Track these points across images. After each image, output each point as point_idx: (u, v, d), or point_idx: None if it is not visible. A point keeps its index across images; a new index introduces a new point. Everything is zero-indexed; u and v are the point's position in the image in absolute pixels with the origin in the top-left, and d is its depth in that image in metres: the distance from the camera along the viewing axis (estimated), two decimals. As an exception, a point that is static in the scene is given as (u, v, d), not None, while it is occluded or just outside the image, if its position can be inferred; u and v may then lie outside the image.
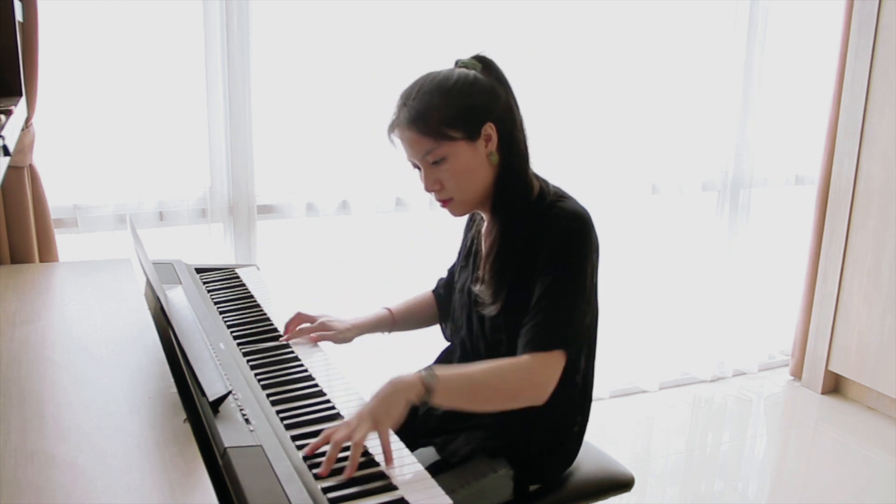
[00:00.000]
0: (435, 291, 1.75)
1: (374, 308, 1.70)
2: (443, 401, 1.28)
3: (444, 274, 1.75)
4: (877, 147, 2.88)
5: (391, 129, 1.43)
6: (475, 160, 1.40)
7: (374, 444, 1.19)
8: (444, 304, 1.70)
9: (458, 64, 1.44)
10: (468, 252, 1.61)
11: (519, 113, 1.46)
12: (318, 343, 1.57)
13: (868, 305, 2.96)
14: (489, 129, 1.40)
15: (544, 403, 1.38)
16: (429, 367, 1.30)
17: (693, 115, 3.00)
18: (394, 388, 1.23)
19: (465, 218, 1.66)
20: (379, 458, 1.15)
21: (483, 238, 1.54)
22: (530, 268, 1.40)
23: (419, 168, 1.44)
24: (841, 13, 2.98)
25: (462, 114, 1.37)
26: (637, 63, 2.81)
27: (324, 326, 1.58)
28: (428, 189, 1.43)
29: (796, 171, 3.27)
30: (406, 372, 1.27)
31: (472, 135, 1.39)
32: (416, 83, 1.42)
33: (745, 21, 2.96)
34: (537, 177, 1.50)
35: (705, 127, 3.05)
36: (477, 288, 1.48)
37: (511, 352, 1.42)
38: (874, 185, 2.90)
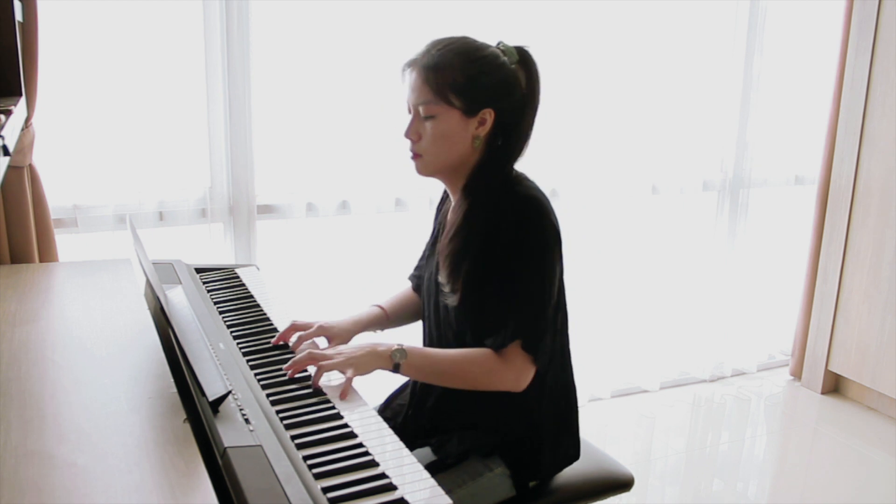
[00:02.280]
0: (414, 288, 1.75)
1: (365, 307, 1.70)
2: (410, 376, 1.44)
3: (415, 268, 1.76)
4: (877, 147, 2.89)
5: (408, 64, 1.44)
6: (460, 134, 1.41)
7: (373, 445, 1.19)
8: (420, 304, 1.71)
9: (499, 45, 1.45)
10: (434, 240, 1.61)
11: (530, 120, 1.45)
12: (317, 342, 1.57)
13: (868, 305, 2.96)
14: (487, 114, 1.41)
15: (527, 400, 1.44)
16: (400, 346, 1.39)
17: (693, 115, 3.00)
18: (370, 354, 1.38)
19: (437, 205, 1.69)
20: (379, 457, 1.15)
21: (448, 221, 1.54)
22: (489, 255, 1.40)
23: (410, 113, 1.45)
24: (841, 13, 2.98)
25: (470, 87, 1.38)
26: (637, 63, 2.82)
27: (321, 330, 1.56)
28: (406, 135, 1.45)
29: (796, 171, 3.27)
30: (383, 342, 1.40)
31: (469, 111, 1.40)
32: (451, 38, 1.43)
33: (745, 21, 2.96)
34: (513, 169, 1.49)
35: (705, 127, 3.05)
36: (440, 275, 1.49)
37: (477, 340, 1.44)
38: (874, 185, 2.90)
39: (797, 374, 3.31)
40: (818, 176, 3.14)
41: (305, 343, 1.52)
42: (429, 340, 1.61)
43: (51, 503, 0.91)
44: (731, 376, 3.32)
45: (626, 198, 2.95)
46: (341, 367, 1.36)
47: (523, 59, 1.44)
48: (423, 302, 1.63)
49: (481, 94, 1.39)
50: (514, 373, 1.40)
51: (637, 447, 2.79)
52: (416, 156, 1.46)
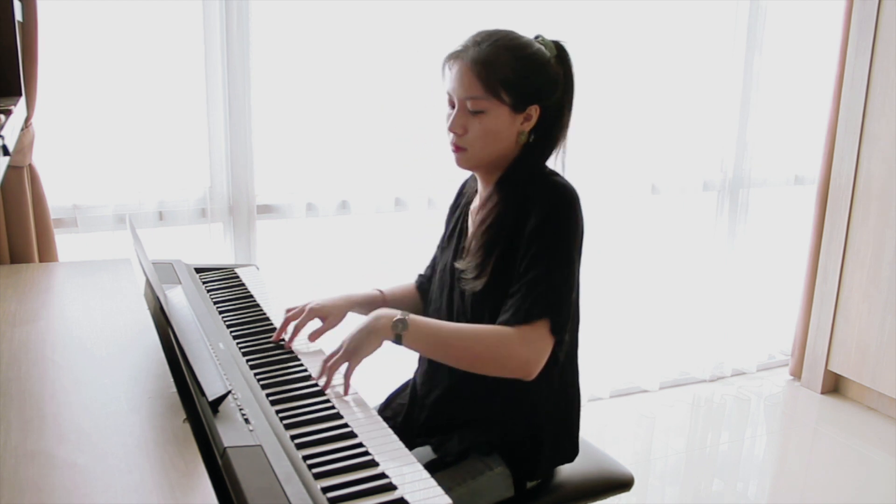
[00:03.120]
0: (419, 288, 1.74)
1: (364, 288, 1.68)
2: (413, 348, 1.38)
3: (423, 270, 1.75)
4: (877, 147, 2.89)
5: (452, 57, 1.43)
6: (507, 129, 1.42)
7: (373, 445, 1.19)
8: (426, 295, 1.69)
9: (538, 39, 1.45)
10: (452, 231, 1.61)
11: (568, 114, 1.48)
12: (317, 342, 1.57)
13: (868, 305, 2.96)
14: (533, 111, 1.43)
15: (531, 398, 1.42)
16: (403, 315, 1.36)
17: (693, 115, 3.00)
18: (367, 331, 1.36)
19: (450, 204, 1.69)
20: (379, 457, 1.15)
21: (472, 214, 1.55)
22: (517, 242, 1.40)
23: (453, 106, 1.44)
24: (841, 13, 2.98)
25: (521, 84, 1.39)
26: (637, 63, 2.82)
27: (313, 313, 1.55)
28: (451, 129, 1.44)
29: (796, 171, 3.27)
30: (385, 312, 1.37)
31: (518, 107, 1.41)
32: (497, 31, 1.43)
33: (744, 21, 2.96)
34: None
35: (705, 127, 3.05)
36: (461, 262, 1.48)
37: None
38: (874, 185, 2.90)
39: (797, 373, 3.31)
40: (818, 176, 3.14)
41: (301, 333, 1.53)
42: None
43: (51, 503, 0.91)
44: (731, 376, 3.32)
45: (626, 198, 2.95)
46: (342, 361, 1.36)
47: (560, 54, 1.46)
48: (432, 295, 1.62)
49: (530, 90, 1.41)
50: (530, 352, 1.33)
51: (637, 447, 2.79)
52: (459, 149, 1.45)
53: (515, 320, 1.35)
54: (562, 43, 1.47)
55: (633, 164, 2.91)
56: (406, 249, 2.61)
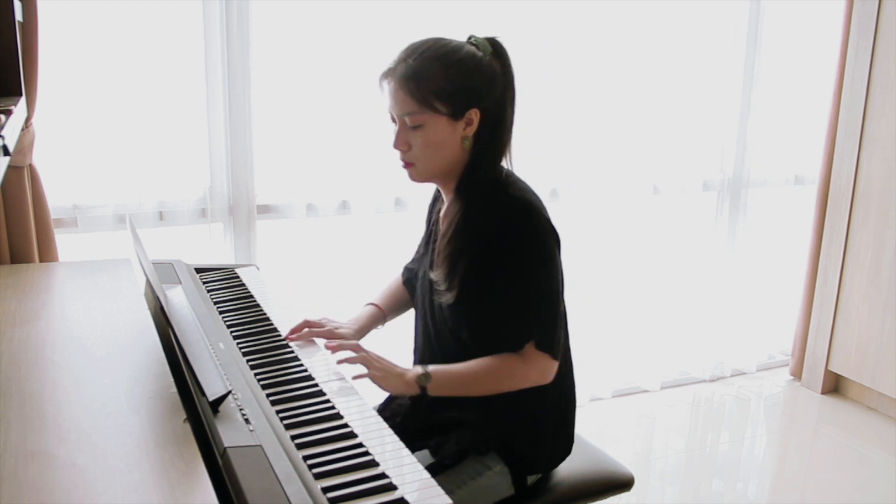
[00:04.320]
0: (406, 283, 1.74)
1: (362, 309, 1.71)
2: (438, 394, 1.44)
3: (410, 262, 1.76)
4: (877, 147, 2.89)
5: (385, 76, 1.45)
6: (449, 138, 1.42)
7: (373, 445, 1.19)
8: (415, 291, 1.71)
9: (470, 40, 1.44)
10: (428, 239, 1.61)
11: (510, 109, 1.45)
12: (317, 341, 1.57)
13: (868, 305, 2.96)
14: (473, 114, 1.41)
15: (527, 395, 1.46)
16: (425, 370, 1.41)
17: (693, 115, 3.00)
18: (399, 378, 1.41)
19: (429, 203, 1.71)
20: (379, 457, 1.15)
21: (441, 220, 1.55)
22: (485, 256, 1.41)
23: (395, 122, 1.46)
24: (841, 13, 2.98)
25: (454, 91, 1.38)
26: (637, 63, 2.81)
27: (332, 335, 1.57)
28: (395, 146, 1.46)
29: (796, 171, 3.27)
30: (409, 369, 1.43)
31: (456, 114, 1.40)
32: (423, 42, 1.43)
33: (745, 21, 2.96)
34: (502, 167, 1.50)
35: (705, 127, 3.05)
36: (433, 273, 1.49)
37: (474, 338, 1.45)
38: (874, 185, 2.90)
39: (797, 374, 3.31)
40: (818, 176, 3.14)
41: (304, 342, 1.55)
42: (424, 337, 1.61)
43: (51, 503, 0.91)
44: (731, 376, 3.32)
45: (627, 198, 2.95)
46: (373, 370, 1.41)
47: (496, 50, 1.44)
48: (417, 300, 1.63)
49: (466, 96, 1.39)
50: (536, 370, 1.43)
51: (637, 447, 2.79)
52: (408, 164, 1.46)
53: (512, 348, 1.43)
54: (497, 39, 1.45)
55: (633, 163, 2.91)
56: (406, 249, 2.60)
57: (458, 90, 1.38)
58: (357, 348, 1.43)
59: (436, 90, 1.38)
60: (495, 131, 1.44)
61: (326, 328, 1.58)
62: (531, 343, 1.42)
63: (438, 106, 1.38)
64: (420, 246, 1.72)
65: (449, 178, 1.48)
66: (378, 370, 1.41)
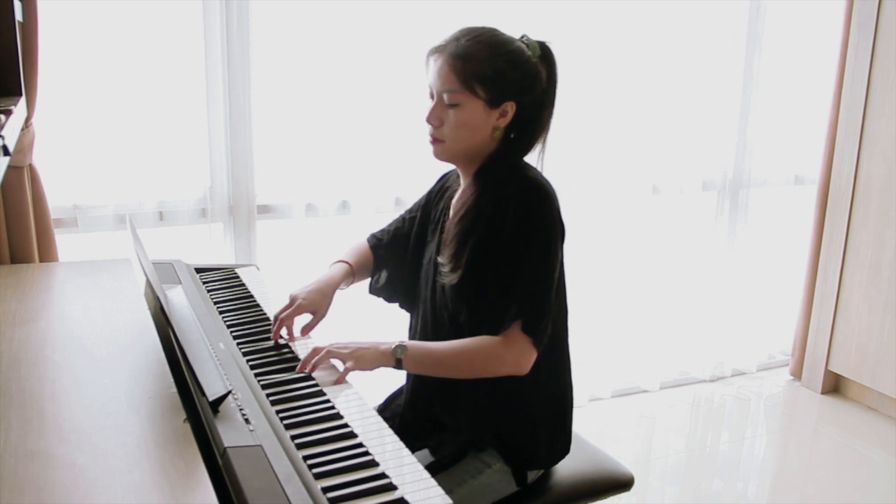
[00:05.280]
0: (373, 249, 1.75)
1: (333, 266, 1.71)
2: (412, 370, 1.46)
3: (378, 231, 1.77)
4: (877, 147, 2.89)
5: (434, 51, 1.46)
6: (482, 123, 1.44)
7: (373, 445, 1.19)
8: (380, 261, 1.73)
9: (522, 39, 1.48)
10: (436, 225, 1.62)
11: (547, 113, 1.49)
12: (313, 336, 1.58)
13: (868, 305, 2.96)
14: (509, 107, 1.44)
15: (521, 388, 1.46)
16: (401, 342, 1.42)
17: (693, 115, 3.00)
18: (373, 351, 1.43)
19: (429, 189, 1.73)
20: (379, 457, 1.15)
21: (453, 207, 1.56)
22: (493, 239, 1.43)
23: (432, 98, 1.47)
24: (841, 13, 2.98)
25: (496, 80, 1.41)
26: (637, 63, 2.81)
27: (301, 308, 1.57)
28: (428, 120, 1.47)
29: (796, 172, 3.27)
30: (384, 341, 1.44)
31: (493, 102, 1.43)
32: (479, 28, 1.46)
33: (745, 21, 2.96)
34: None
35: (705, 127, 3.05)
36: (442, 256, 1.50)
37: (472, 320, 1.46)
38: (874, 185, 2.90)
39: (797, 374, 3.31)
40: (818, 176, 3.14)
41: (302, 339, 1.56)
42: (422, 322, 1.61)
43: (51, 503, 0.91)
44: (731, 376, 3.32)
45: (627, 198, 2.95)
46: (343, 358, 1.42)
47: (545, 54, 1.48)
48: (420, 286, 1.63)
49: (506, 87, 1.42)
50: (514, 355, 1.41)
51: (637, 447, 2.79)
52: (436, 140, 1.48)
53: (495, 329, 1.42)
54: (547, 44, 1.48)
55: (633, 164, 2.91)
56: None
57: (500, 80, 1.42)
58: (315, 352, 1.42)
59: (479, 74, 1.40)
60: (527, 128, 1.48)
61: (293, 306, 1.57)
62: (516, 323, 1.40)
63: (478, 90, 1.41)
64: (396, 220, 1.74)
65: (471, 163, 1.50)
66: (349, 357, 1.41)
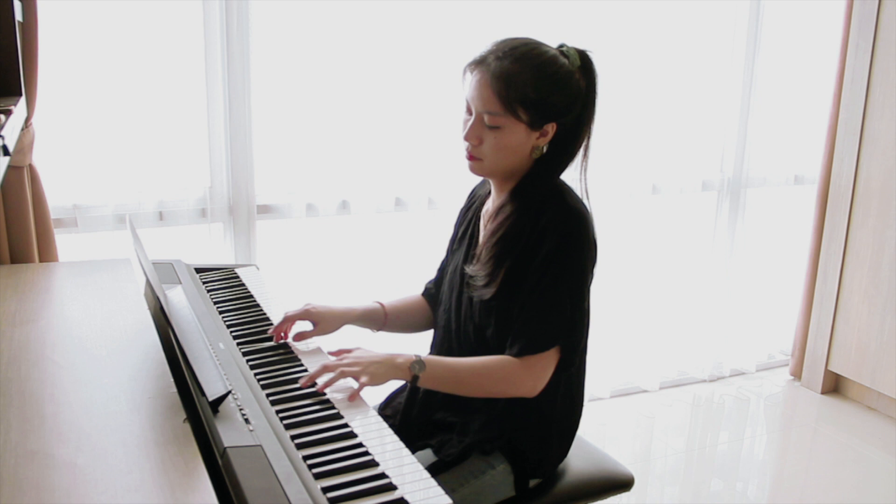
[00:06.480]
0: (425, 294, 1.74)
1: (365, 301, 1.69)
2: (428, 387, 1.42)
3: (434, 275, 1.75)
4: (877, 147, 2.89)
5: (474, 65, 1.42)
6: (522, 144, 1.43)
7: (373, 445, 1.19)
8: (436, 304, 1.70)
9: (561, 48, 1.45)
10: (464, 233, 1.61)
11: (587, 127, 1.48)
12: (317, 343, 1.57)
13: (868, 305, 2.96)
14: (550, 128, 1.43)
15: (539, 399, 1.45)
16: (419, 357, 1.39)
17: (693, 115, 3.00)
18: (387, 365, 1.37)
19: (461, 208, 1.70)
20: (379, 457, 1.15)
21: (484, 218, 1.55)
22: (528, 259, 1.42)
23: (470, 112, 1.44)
24: (841, 13, 2.98)
25: (540, 104, 1.39)
26: (637, 63, 2.81)
27: (307, 314, 1.57)
28: (466, 138, 1.44)
29: (796, 171, 3.27)
30: (401, 353, 1.40)
31: (534, 124, 1.41)
32: (520, 42, 1.42)
33: (745, 21, 2.96)
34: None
35: (705, 127, 3.05)
36: (471, 268, 1.49)
37: (499, 336, 1.45)
38: (874, 185, 2.90)
39: (797, 373, 3.31)
40: (818, 176, 3.14)
41: (301, 342, 1.54)
42: (444, 332, 1.60)
43: (51, 503, 0.91)
44: (731, 376, 3.32)
45: (626, 198, 2.95)
46: (356, 375, 1.35)
47: (584, 64, 1.46)
48: (443, 294, 1.63)
49: (549, 109, 1.41)
50: (532, 380, 1.41)
51: (637, 447, 2.79)
52: (474, 158, 1.45)
53: (526, 351, 1.40)
54: (588, 53, 1.46)
55: (633, 164, 2.91)
56: (406, 250, 2.61)
57: (544, 103, 1.40)
58: (324, 369, 1.35)
59: (523, 98, 1.38)
60: (566, 146, 1.47)
61: (303, 308, 1.56)
62: (555, 349, 1.40)
63: (521, 113, 1.39)
64: (447, 253, 1.71)
65: (508, 180, 1.49)
66: (362, 374, 1.34)
